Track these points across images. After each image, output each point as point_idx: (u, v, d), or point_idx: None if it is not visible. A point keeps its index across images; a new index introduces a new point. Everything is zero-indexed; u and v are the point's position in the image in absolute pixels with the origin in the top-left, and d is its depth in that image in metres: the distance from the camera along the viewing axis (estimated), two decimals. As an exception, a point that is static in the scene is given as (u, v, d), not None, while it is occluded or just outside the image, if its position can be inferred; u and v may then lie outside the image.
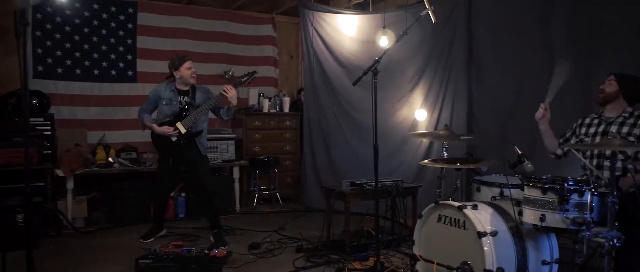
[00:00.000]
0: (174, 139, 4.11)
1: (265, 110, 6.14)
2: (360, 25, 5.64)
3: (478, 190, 3.39)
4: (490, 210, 2.80)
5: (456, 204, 2.79)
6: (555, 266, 2.80)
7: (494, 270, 2.54)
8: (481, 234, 2.58)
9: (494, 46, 5.16)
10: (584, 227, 2.36)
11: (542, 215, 2.50)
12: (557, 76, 3.28)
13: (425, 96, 5.51)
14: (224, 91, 4.06)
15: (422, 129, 5.57)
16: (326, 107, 5.72)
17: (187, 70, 4.15)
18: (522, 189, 2.67)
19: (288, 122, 6.23)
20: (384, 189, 3.97)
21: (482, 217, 2.70)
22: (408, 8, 5.65)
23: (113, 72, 5.61)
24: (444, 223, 2.90)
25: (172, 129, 4.09)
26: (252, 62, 6.33)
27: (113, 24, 5.58)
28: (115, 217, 5.04)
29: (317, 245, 4.08)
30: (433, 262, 2.80)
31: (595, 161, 3.04)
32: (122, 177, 5.22)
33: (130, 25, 5.66)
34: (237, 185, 5.60)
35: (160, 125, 4.14)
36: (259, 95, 6.25)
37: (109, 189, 5.17)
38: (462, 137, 3.68)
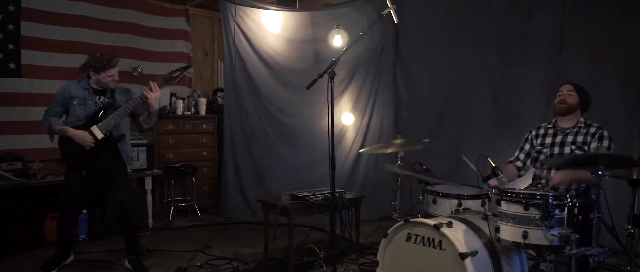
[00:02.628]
0: (88, 147, 3.40)
1: (180, 112, 5.50)
2: (286, 23, 5.29)
3: (434, 202, 3.25)
4: (463, 227, 2.63)
5: (431, 222, 2.57)
6: (527, 283, 2.74)
7: (476, 293, 2.37)
8: (463, 256, 2.40)
9: (423, 54, 5.17)
10: (570, 244, 2.29)
11: (525, 232, 2.39)
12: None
13: (355, 101, 5.36)
14: (146, 92, 3.43)
15: (350, 134, 5.40)
16: (250, 110, 5.26)
17: (108, 78, 3.47)
18: (498, 204, 2.54)
19: (205, 125, 5.65)
20: (328, 201, 3.65)
21: (459, 236, 2.53)
22: (336, 7, 5.45)
23: (-12, 64, 4.59)
24: (415, 242, 2.67)
25: (87, 134, 3.37)
26: (163, 58, 5.64)
27: (-12, 6, 4.56)
28: (-4, 244, 4.09)
29: (255, 266, 3.65)
30: (406, 286, 2.56)
31: (552, 171, 3.05)
32: (3, 193, 4.25)
33: (11, 7, 4.65)
34: (149, 197, 4.91)
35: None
36: (171, 95, 5.58)
37: (-16, 209, 4.18)
38: (424, 141, 3.47)
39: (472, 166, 3.32)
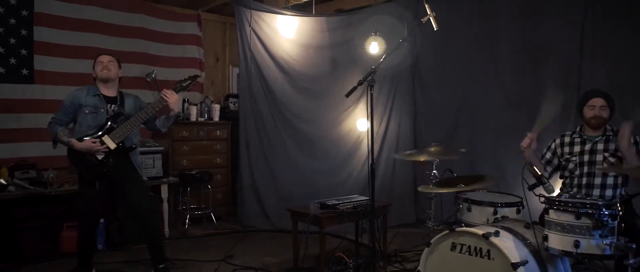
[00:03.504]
0: (100, 156, 3.31)
1: (193, 118, 5.42)
2: (302, 28, 5.25)
3: (469, 209, 3.23)
4: (510, 236, 2.61)
5: (480, 231, 2.54)
6: (571, 290, 2.72)
7: (529, 302, 2.34)
8: (516, 265, 2.37)
9: (439, 60, 5.17)
10: (627, 254, 2.27)
11: (576, 241, 2.37)
12: (547, 107, 3.20)
13: (374, 106, 5.28)
14: (164, 96, 3.35)
15: (366, 140, 5.36)
16: (266, 116, 5.21)
17: (97, 66, 3.40)
18: (547, 213, 2.52)
19: (218, 132, 5.58)
20: (359, 210, 3.62)
21: (509, 245, 2.50)
22: (352, 13, 5.43)
23: (2, 70, 4.46)
24: (460, 252, 2.64)
25: (98, 143, 3.29)
26: (175, 64, 5.57)
27: (1, 10, 4.44)
28: (11, 255, 3.97)
29: (286, 276, 3.60)
30: (455, 297, 2.52)
31: (584, 180, 3.04)
32: (17, 203, 4.13)
33: (24, 12, 4.56)
34: (165, 205, 4.82)
35: (80, 139, 3.30)
36: (184, 101, 5.50)
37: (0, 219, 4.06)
38: (461, 150, 3.44)
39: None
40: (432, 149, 3.37)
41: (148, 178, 4.62)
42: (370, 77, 2.87)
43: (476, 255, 2.57)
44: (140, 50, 5.26)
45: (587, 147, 3.09)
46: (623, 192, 2.96)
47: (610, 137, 3.04)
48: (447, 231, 2.70)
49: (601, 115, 3.00)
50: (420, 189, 3.36)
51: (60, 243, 4.21)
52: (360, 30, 5.17)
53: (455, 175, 3.53)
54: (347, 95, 2.97)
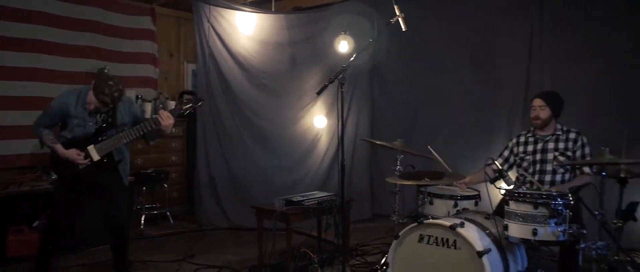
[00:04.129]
0: (80, 167, 3.18)
1: (148, 116, 5.25)
2: (261, 25, 5.24)
3: (431, 203, 3.40)
4: (473, 226, 2.77)
5: (447, 223, 2.68)
6: (526, 275, 2.92)
7: (492, 288, 2.50)
8: (481, 253, 2.53)
9: (396, 59, 5.33)
10: (578, 240, 2.49)
11: (534, 229, 2.56)
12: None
13: (331, 105, 5.39)
14: (159, 119, 3.23)
15: (324, 137, 5.44)
16: (224, 113, 5.15)
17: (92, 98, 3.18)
18: (507, 204, 2.70)
19: (174, 129, 5.41)
20: (324, 205, 3.68)
21: (474, 235, 2.66)
22: (312, 11, 5.48)
23: None
24: (428, 243, 2.77)
25: (82, 156, 3.16)
26: (128, 59, 5.37)
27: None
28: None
29: (251, 273, 3.59)
30: (424, 286, 2.64)
31: (537, 176, 3.27)
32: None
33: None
34: (120, 206, 4.64)
35: (65, 144, 3.17)
36: (137, 98, 5.32)
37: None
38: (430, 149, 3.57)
39: (438, 158, 3.51)
40: (397, 142, 3.49)
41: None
42: (341, 75, 2.92)
43: (443, 245, 2.71)
44: (92, 44, 5.01)
45: (539, 146, 3.31)
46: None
47: (559, 136, 3.28)
48: (416, 224, 2.82)
49: (539, 115, 3.22)
50: (388, 179, 3.46)
51: (7, 248, 3.96)
52: (320, 28, 5.25)
53: (416, 170, 3.68)
54: (319, 93, 3.03)
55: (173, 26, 5.97)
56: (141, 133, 3.26)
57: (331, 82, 2.95)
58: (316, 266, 3.68)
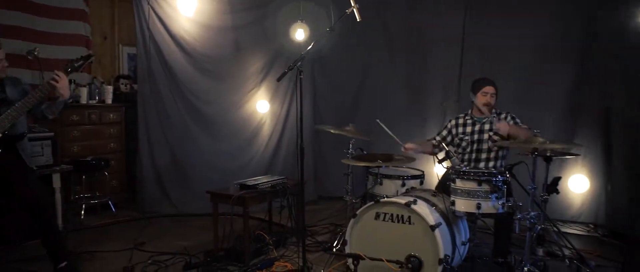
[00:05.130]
0: None
1: (84, 101, 5.02)
2: (203, 8, 5.15)
3: (381, 183, 3.62)
4: (424, 203, 3.02)
5: (402, 200, 2.91)
6: (468, 245, 3.25)
7: (443, 257, 2.77)
8: (433, 227, 2.78)
9: (338, 46, 5.49)
10: (514, 211, 2.83)
11: (478, 203, 2.86)
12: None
13: (275, 90, 5.46)
14: (54, 80, 3.08)
15: (269, 123, 5.51)
16: (167, 98, 5.05)
17: None
18: (453, 182, 2.98)
19: (112, 115, 5.23)
20: (278, 188, 3.79)
21: (426, 211, 2.91)
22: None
23: None
24: (384, 220, 2.99)
25: None
26: (59, 41, 5.03)
27: None
28: None
29: (206, 259, 3.62)
30: (381, 260, 2.85)
31: (474, 154, 3.61)
32: None
33: None
34: (58, 196, 4.42)
35: None
36: (71, 82, 5.03)
37: None
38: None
39: (388, 131, 3.77)
40: (349, 127, 3.67)
41: (38, 167, 4.18)
42: (299, 63, 3.01)
43: (398, 221, 2.94)
44: (21, 24, 4.66)
45: (477, 127, 3.65)
46: (503, 163, 3.57)
47: (494, 119, 3.63)
48: (373, 202, 3.02)
49: (491, 102, 3.55)
50: (344, 161, 3.63)
51: None
52: (263, 13, 5.27)
53: (365, 152, 3.90)
54: (279, 79, 3.10)
55: (107, 7, 5.67)
56: (38, 99, 3.07)
57: (291, 69, 3.04)
58: (271, 247, 3.81)
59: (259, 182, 3.81)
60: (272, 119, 5.49)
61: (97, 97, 5.21)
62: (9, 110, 3.01)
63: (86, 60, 3.32)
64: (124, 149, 5.36)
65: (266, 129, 5.49)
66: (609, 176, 4.39)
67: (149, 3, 4.87)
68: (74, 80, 5.07)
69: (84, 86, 5.08)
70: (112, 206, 5.01)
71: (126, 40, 5.74)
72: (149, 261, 3.62)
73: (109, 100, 5.24)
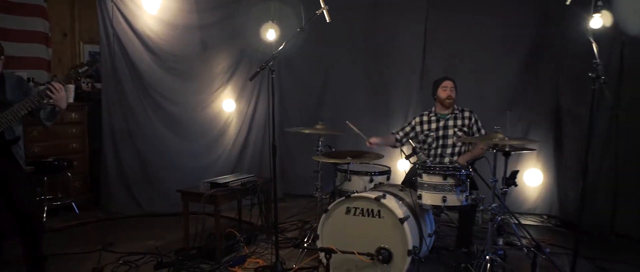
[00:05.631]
0: None
1: (44, 100, 4.86)
2: (169, 7, 5.09)
3: (349, 179, 3.73)
4: (392, 198, 3.15)
5: (373, 195, 3.03)
6: (434, 236, 3.40)
7: (411, 249, 2.91)
8: (402, 220, 2.91)
9: (303, 44, 5.55)
10: (477, 203, 3.00)
11: (444, 197, 3.02)
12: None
13: (242, 89, 5.49)
14: (50, 92, 2.98)
15: (235, 121, 5.53)
16: (132, 98, 4.97)
17: None
18: (420, 176, 3.12)
19: (74, 114, 5.11)
20: (248, 186, 3.84)
21: (395, 205, 3.04)
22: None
23: None
24: (355, 214, 3.09)
25: None
26: (16, 37, 4.90)
27: None
28: None
29: (178, 257, 3.62)
30: (353, 253, 2.96)
31: (439, 150, 3.79)
32: None
33: None
34: (18, 198, 4.28)
35: None
36: (28, 80, 4.89)
37: None
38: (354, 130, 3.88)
39: (358, 131, 3.91)
40: (319, 126, 3.76)
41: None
42: (271, 63, 3.07)
43: (369, 215, 3.05)
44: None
45: (441, 124, 3.83)
46: (466, 158, 3.76)
47: (457, 115, 3.82)
48: (344, 198, 3.12)
49: (451, 95, 3.76)
50: (315, 158, 3.71)
51: None
52: (229, 12, 5.28)
53: (334, 150, 4.00)
54: (251, 79, 3.15)
55: (66, 3, 5.52)
56: (30, 108, 2.99)
57: (262, 68, 3.09)
58: (242, 244, 3.85)
59: (229, 180, 3.84)
60: (239, 117, 5.51)
61: (58, 96, 5.06)
62: (4, 113, 2.91)
63: (92, 66, 3.23)
64: (86, 149, 5.25)
65: (233, 128, 5.51)
66: (560, 169, 4.69)
67: (112, 0, 4.78)
68: (32, 79, 4.93)
69: (42, 85, 4.92)
70: (75, 208, 4.90)
71: (87, 38, 5.62)
72: (119, 261, 3.58)
73: (71, 99, 5.11)
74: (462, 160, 3.54)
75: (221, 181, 3.78)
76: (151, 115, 5.05)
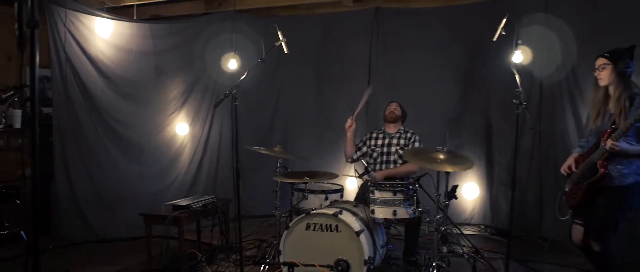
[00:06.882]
0: None
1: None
2: (123, 32, 5.20)
3: (306, 198, 3.98)
4: (348, 213, 3.43)
5: (331, 211, 3.29)
6: (385, 247, 3.71)
7: (367, 259, 3.19)
8: (358, 233, 3.20)
9: (255, 68, 5.81)
10: (425, 215, 3.36)
11: (394, 211, 3.34)
12: (363, 96, 4.22)
13: (196, 113, 5.62)
14: None
15: (190, 145, 5.64)
16: (85, 123, 4.96)
17: None
18: (372, 193, 3.44)
19: (21, 140, 5.01)
20: (209, 207, 3.98)
21: (351, 219, 3.32)
22: (178, 22, 5.62)
23: None
24: (314, 230, 3.34)
25: None
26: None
27: None
28: None
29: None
30: (314, 265, 3.20)
31: (384, 165, 4.15)
32: None
33: None
34: (-35, 228, 4.17)
35: None
36: (-30, 106, 4.78)
37: None
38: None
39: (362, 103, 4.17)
40: (277, 148, 3.99)
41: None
42: (234, 91, 3.29)
43: (327, 230, 3.31)
44: None
45: (386, 141, 4.21)
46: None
47: (402, 135, 4.21)
48: (304, 215, 3.37)
49: (394, 112, 4.17)
50: (275, 178, 3.91)
51: None
52: (185, 38, 5.45)
53: (289, 170, 4.24)
54: (215, 106, 3.35)
55: (8, 27, 5.41)
56: None
57: (227, 96, 3.31)
58: (204, 264, 3.97)
59: (190, 202, 3.97)
60: (193, 141, 5.63)
61: (3, 122, 4.97)
62: None
63: (17, 92, 3.25)
64: (36, 175, 5.13)
65: (187, 152, 5.61)
66: (493, 183, 5.20)
67: (65, 26, 4.80)
68: (-23, 105, 4.81)
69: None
70: (24, 236, 4.77)
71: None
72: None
73: (18, 125, 5.02)
74: (380, 175, 3.92)
75: (183, 203, 3.90)
76: (105, 140, 5.06)
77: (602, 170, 2.81)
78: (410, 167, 4.01)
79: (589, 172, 2.92)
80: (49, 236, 4.97)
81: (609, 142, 2.73)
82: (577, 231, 3.03)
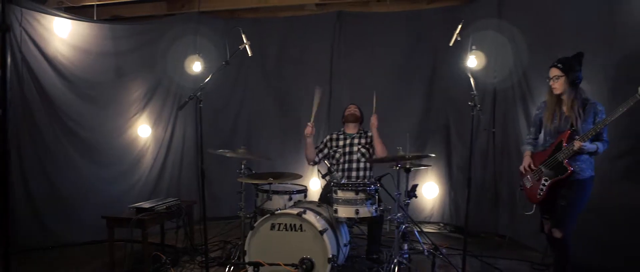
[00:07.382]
0: None
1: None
2: (82, 33, 5.10)
3: (270, 198, 4.03)
4: (311, 213, 3.51)
5: (294, 211, 3.37)
6: (349, 246, 3.81)
7: (331, 256, 3.28)
8: (322, 232, 3.28)
9: (218, 71, 5.82)
10: (386, 213, 3.48)
11: (356, 210, 3.45)
12: (315, 99, 4.29)
13: (159, 114, 5.58)
14: None
15: (152, 147, 5.59)
16: (43, 125, 4.83)
17: None
18: (335, 193, 3.53)
19: (-26, 143, 4.83)
20: (173, 209, 3.98)
21: (314, 219, 3.40)
22: (139, 24, 5.57)
23: None
24: (278, 230, 3.40)
25: None
26: None
27: None
28: None
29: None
30: (279, 264, 3.26)
31: (346, 165, 4.26)
32: None
33: None
34: None
35: None
36: None
37: None
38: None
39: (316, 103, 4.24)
40: (241, 150, 4.03)
41: None
42: (199, 93, 3.31)
43: (292, 230, 3.38)
44: None
45: (348, 142, 4.32)
46: (371, 173, 4.26)
47: (361, 134, 4.33)
48: (269, 215, 3.42)
49: (354, 113, 4.29)
50: (239, 179, 3.94)
51: None
52: (147, 40, 5.39)
53: (253, 172, 4.28)
54: (180, 109, 3.35)
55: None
56: None
57: (191, 99, 3.32)
58: (169, 266, 3.96)
59: (154, 204, 3.95)
60: (156, 143, 5.58)
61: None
62: None
63: None
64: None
65: (150, 153, 5.55)
66: (452, 182, 5.41)
67: (20, 24, 4.67)
68: None
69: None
70: (-22, 242, 4.60)
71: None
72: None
73: (-29, 128, 4.83)
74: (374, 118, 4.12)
75: (147, 206, 3.88)
76: (64, 142, 4.95)
77: (570, 168, 3.04)
78: (384, 149, 4.15)
79: (554, 171, 3.12)
80: (5, 243, 4.81)
81: (578, 144, 2.98)
82: (548, 225, 3.24)
